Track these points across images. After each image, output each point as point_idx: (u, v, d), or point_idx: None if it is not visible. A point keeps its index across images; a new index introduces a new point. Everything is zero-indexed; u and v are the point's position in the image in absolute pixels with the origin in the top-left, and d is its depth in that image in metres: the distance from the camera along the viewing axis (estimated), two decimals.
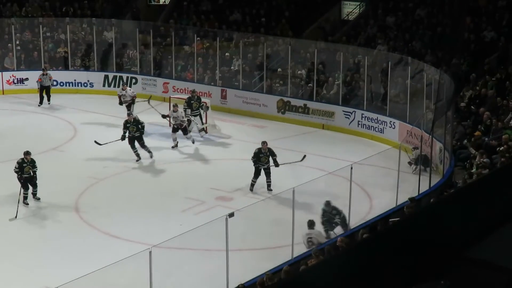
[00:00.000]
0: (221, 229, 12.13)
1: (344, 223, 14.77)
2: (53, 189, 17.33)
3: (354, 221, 15.15)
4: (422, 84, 21.10)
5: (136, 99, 22.77)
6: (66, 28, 27.10)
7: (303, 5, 28.78)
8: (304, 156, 16.58)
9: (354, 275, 5.13)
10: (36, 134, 21.70)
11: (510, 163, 15.63)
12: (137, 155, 19.45)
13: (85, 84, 26.42)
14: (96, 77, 26.33)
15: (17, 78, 26.18)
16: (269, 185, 17.51)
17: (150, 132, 21.13)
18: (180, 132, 20.69)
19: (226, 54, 25.77)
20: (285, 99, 23.85)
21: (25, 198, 16.49)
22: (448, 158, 17.92)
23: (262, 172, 17.47)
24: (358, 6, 28.45)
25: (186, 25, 28.36)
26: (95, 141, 19.53)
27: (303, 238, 13.98)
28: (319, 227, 14.36)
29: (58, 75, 26.28)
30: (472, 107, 20.25)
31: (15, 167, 16.36)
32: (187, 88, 24.54)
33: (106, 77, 26.45)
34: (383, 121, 21.72)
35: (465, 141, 18.68)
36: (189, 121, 21.40)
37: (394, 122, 21.36)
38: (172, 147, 20.63)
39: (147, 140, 19.79)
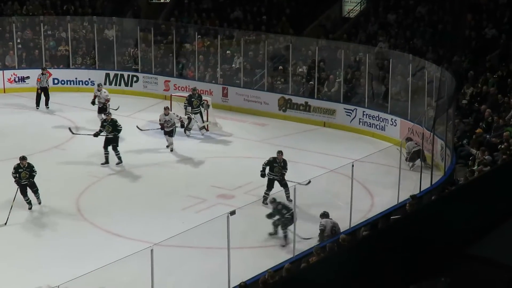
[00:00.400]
0: (222, 227, 12.14)
1: (291, 218, 14.32)
2: (54, 187, 17.31)
3: (356, 219, 15.16)
4: (423, 81, 21.06)
5: (108, 103, 22.17)
6: (67, 26, 27.10)
7: (304, 3, 28.75)
8: (309, 182, 15.68)
9: (355, 273, 5.14)
10: (37, 133, 21.71)
11: (511, 160, 15.61)
12: (106, 158, 18.99)
13: (86, 82, 26.41)
14: (97, 75, 26.31)
15: (18, 77, 26.15)
16: (288, 196, 15.86)
17: (150, 133, 21.19)
18: (179, 132, 20.67)
19: (227, 52, 25.75)
20: (286, 97, 23.83)
21: (29, 204, 16.24)
22: (449, 155, 17.90)
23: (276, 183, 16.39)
24: (359, 4, 28.47)
25: (187, 23, 28.34)
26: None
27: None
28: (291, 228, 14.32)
29: (59, 73, 26.31)
30: (475, 104, 20.24)
31: (12, 172, 16.10)
32: (188, 86, 24.53)
33: (108, 75, 26.44)
34: (384, 118, 21.70)
35: (465, 140, 18.65)
36: (190, 119, 21.45)
37: (395, 120, 21.34)
38: (167, 146, 20.44)
39: (147, 139, 19.74)
